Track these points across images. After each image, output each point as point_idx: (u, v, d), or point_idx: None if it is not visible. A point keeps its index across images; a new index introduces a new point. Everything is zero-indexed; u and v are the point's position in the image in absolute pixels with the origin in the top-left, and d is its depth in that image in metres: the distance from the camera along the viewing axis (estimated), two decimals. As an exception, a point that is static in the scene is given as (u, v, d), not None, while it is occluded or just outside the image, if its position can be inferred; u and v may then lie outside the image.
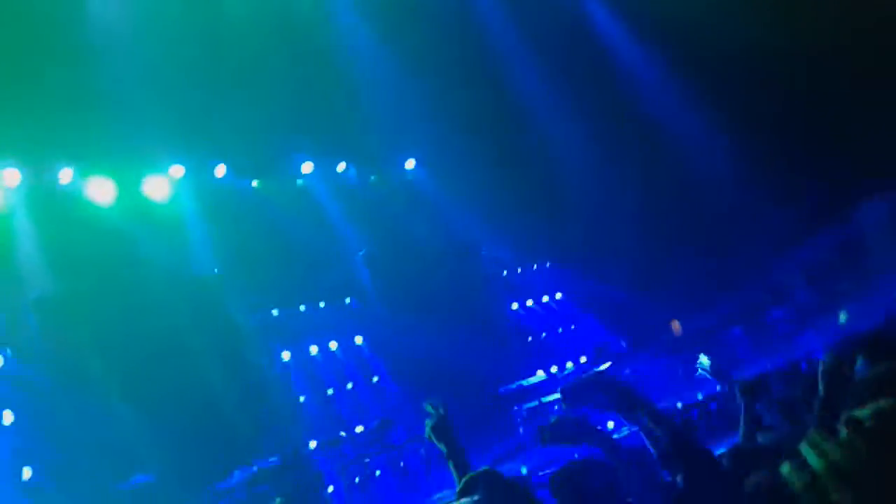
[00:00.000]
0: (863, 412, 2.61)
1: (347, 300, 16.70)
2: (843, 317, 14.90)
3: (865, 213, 16.69)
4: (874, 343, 4.80)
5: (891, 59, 15.31)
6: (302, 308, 15.98)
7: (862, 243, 16.59)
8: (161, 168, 14.84)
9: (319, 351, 15.72)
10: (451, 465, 4.15)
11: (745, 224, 17.18)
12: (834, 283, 16.24)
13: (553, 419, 4.07)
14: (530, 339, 18.34)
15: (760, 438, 5.09)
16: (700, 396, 12.12)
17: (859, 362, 4.77)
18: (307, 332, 15.62)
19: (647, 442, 4.97)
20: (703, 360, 7.27)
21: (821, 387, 4.71)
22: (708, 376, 8.36)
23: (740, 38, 17.05)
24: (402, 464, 12.79)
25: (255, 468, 10.96)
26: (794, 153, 17.09)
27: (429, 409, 4.34)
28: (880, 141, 14.71)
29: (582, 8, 18.94)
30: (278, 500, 9.51)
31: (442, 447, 4.19)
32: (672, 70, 18.16)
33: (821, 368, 5.25)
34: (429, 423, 4.28)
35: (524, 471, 10.47)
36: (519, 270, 19.34)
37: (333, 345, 15.99)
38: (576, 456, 4.48)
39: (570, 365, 16.94)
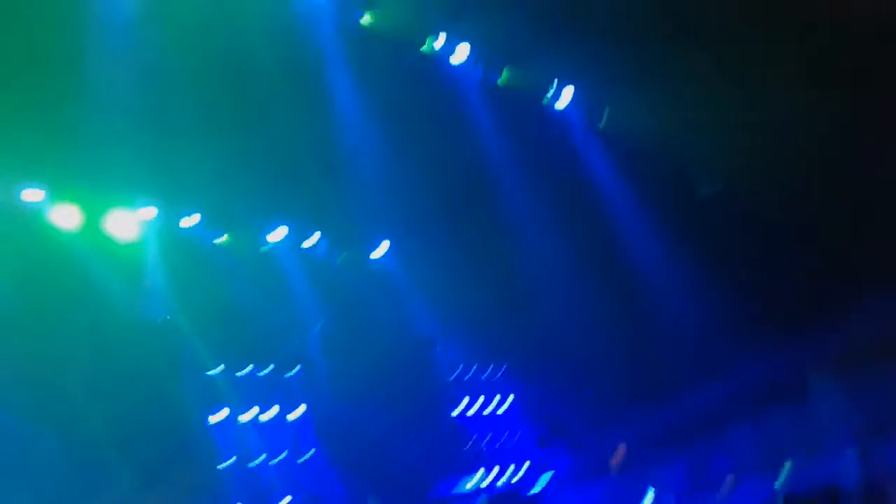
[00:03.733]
0: None
1: (295, 370, 16.38)
2: (781, 477, 14.99)
3: (818, 383, 16.91)
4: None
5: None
6: (247, 370, 15.62)
7: (813, 412, 16.73)
8: (132, 206, 14.66)
9: (256, 416, 15.31)
10: None
11: (700, 375, 17.25)
12: (782, 446, 16.28)
13: None
14: (470, 443, 18.03)
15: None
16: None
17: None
18: (246, 396, 15.24)
19: None
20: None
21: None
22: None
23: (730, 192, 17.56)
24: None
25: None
26: (765, 316, 17.34)
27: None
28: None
29: (574, 137, 19.47)
30: None
31: None
32: (658, 217, 18.60)
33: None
34: None
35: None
36: (472, 371, 19.17)
37: (272, 412, 15.60)
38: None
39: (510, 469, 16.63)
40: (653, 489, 7.00)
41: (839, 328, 15.46)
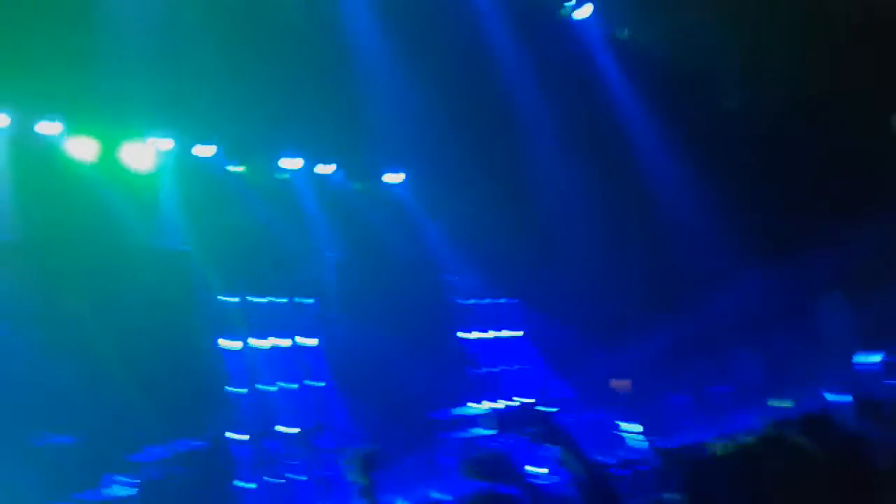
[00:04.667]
0: None
1: (311, 300, 16.70)
2: (786, 403, 15.14)
3: (825, 305, 16.89)
4: (812, 421, 4.85)
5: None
6: (262, 300, 15.97)
7: (818, 334, 16.77)
8: (148, 137, 14.88)
9: (269, 345, 15.71)
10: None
11: (711, 297, 17.23)
12: (786, 367, 16.40)
13: (477, 453, 4.09)
14: (480, 370, 18.33)
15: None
16: (631, 457, 12.13)
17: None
18: (261, 325, 15.60)
19: (568, 483, 5.00)
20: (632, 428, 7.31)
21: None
22: (637, 442, 8.36)
23: (748, 107, 17.24)
24: (323, 474, 12.72)
25: (179, 447, 10.91)
26: (776, 235, 17.25)
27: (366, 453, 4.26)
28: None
29: (593, 61, 19.12)
30: None
31: (361, 481, 4.11)
32: (674, 134, 18.37)
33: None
34: (359, 452, 4.19)
35: (440, 498, 10.47)
36: (484, 301, 19.37)
37: (284, 342, 15.99)
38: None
39: (513, 402, 16.93)
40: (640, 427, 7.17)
41: (847, 249, 15.39)
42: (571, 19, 18.78)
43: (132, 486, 10.10)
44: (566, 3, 18.59)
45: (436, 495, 10.26)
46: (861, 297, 15.89)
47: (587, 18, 18.75)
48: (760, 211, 17.23)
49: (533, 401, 14.27)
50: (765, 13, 16.03)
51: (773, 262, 16.46)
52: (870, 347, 14.65)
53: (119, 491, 10.01)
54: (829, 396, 14.10)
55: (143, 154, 14.96)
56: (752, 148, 17.18)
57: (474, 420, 14.04)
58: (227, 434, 11.94)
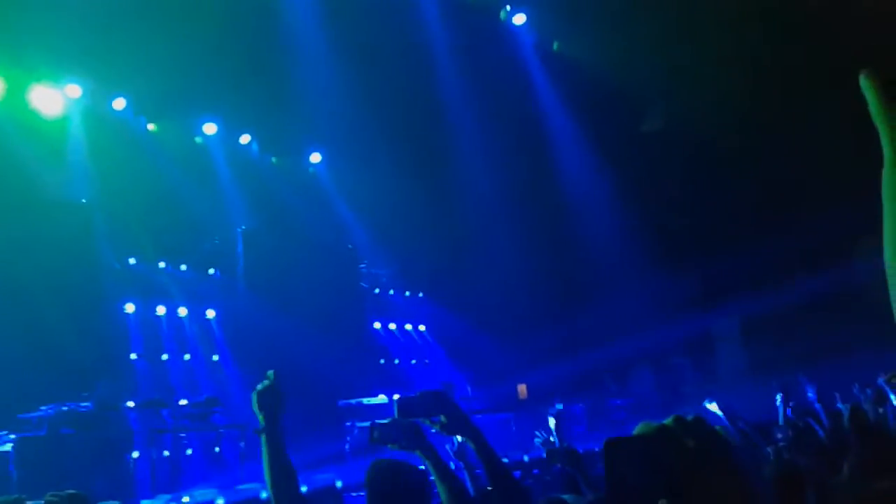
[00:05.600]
0: None
1: (211, 270, 16.15)
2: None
3: (719, 326, 17.47)
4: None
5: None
6: (161, 265, 15.33)
7: (712, 352, 17.32)
8: (58, 82, 14.07)
9: (166, 313, 15.11)
10: (263, 441, 3.82)
11: (616, 310, 17.55)
12: (679, 384, 16.88)
13: (388, 420, 3.88)
14: (383, 361, 18.15)
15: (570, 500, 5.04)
16: (526, 458, 12.19)
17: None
18: (160, 291, 14.99)
19: (465, 475, 4.88)
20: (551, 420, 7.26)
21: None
22: (539, 443, 8.30)
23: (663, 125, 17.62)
24: (217, 449, 12.30)
25: (64, 408, 10.30)
26: (686, 256, 17.68)
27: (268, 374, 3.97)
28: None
29: (524, 66, 19.25)
30: None
31: (261, 418, 3.83)
32: (595, 146, 18.66)
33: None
34: (259, 386, 3.88)
35: (339, 485, 10.24)
36: (391, 292, 19.19)
37: (183, 311, 15.41)
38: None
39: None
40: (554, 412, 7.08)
41: (754, 279, 15.90)
42: (509, 24, 18.85)
43: (12, 442, 9.49)
44: (505, 8, 18.63)
45: (340, 484, 10.01)
46: (759, 325, 16.46)
47: (521, 26, 18.88)
48: (674, 229, 17.66)
49: (439, 390, 14.13)
50: (695, 37, 16.42)
51: (679, 284, 16.91)
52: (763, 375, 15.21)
53: (1, 447, 9.37)
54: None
55: (52, 99, 14.13)
56: (670, 167, 17.60)
57: (378, 409, 13.85)
58: (118, 400, 11.36)
